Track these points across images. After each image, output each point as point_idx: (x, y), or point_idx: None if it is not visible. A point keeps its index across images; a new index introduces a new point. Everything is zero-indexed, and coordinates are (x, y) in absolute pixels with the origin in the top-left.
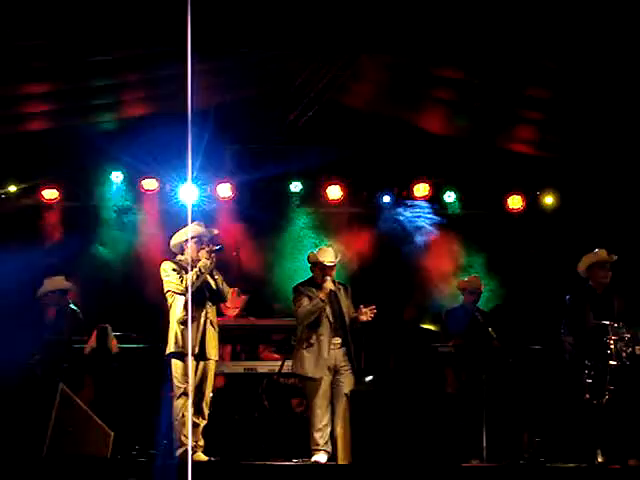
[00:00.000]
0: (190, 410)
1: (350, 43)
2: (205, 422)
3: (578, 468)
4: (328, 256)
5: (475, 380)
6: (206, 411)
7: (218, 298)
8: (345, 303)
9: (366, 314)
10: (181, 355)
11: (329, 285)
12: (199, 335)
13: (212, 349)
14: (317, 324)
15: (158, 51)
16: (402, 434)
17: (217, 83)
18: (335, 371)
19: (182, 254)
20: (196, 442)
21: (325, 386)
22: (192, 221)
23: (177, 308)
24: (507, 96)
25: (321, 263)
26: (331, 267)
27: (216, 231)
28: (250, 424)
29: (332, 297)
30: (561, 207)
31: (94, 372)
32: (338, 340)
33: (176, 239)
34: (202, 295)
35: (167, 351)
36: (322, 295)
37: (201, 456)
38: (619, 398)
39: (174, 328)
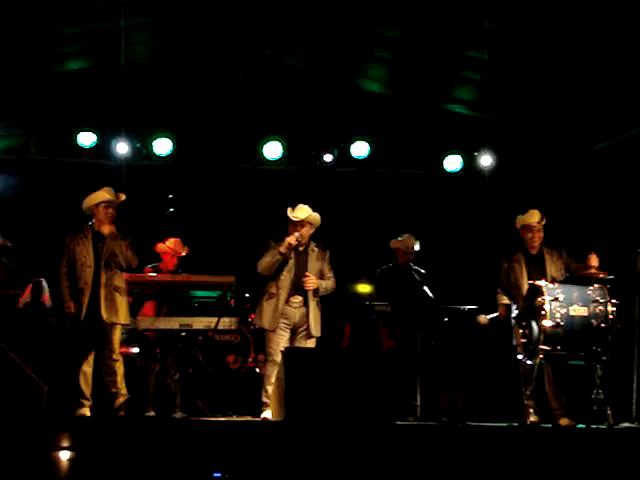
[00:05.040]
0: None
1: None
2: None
3: (510, 427)
4: (297, 212)
5: (410, 339)
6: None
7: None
8: (315, 265)
9: (305, 282)
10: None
11: (290, 239)
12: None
13: (113, 314)
14: (278, 277)
15: (94, 4)
16: (336, 392)
17: (156, 37)
18: (293, 331)
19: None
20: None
21: (282, 341)
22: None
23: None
24: (446, 56)
25: (290, 219)
26: (298, 223)
27: (123, 196)
28: (185, 380)
29: (300, 255)
30: (498, 168)
31: (28, 326)
32: (299, 299)
33: (86, 203)
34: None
35: None
36: (281, 248)
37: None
38: (552, 358)
39: None
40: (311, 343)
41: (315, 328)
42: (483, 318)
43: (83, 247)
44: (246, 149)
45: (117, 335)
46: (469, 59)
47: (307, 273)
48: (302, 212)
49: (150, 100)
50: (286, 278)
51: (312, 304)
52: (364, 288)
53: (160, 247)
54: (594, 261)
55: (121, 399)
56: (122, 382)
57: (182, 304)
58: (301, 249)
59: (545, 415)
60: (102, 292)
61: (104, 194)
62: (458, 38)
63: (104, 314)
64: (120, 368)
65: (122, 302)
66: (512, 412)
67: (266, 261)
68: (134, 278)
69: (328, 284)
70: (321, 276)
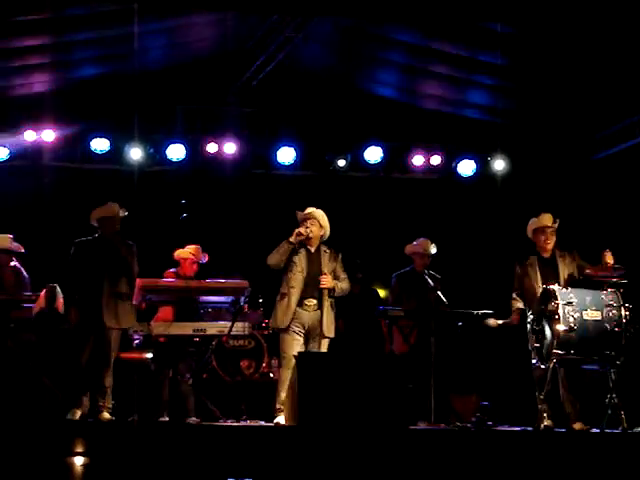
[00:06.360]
0: None
1: (302, 4)
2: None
3: (524, 432)
4: (305, 210)
5: (424, 343)
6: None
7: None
8: (327, 266)
9: (321, 280)
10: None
11: (299, 229)
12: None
13: (113, 319)
14: (290, 277)
15: (107, 10)
16: (350, 396)
17: (169, 43)
18: (307, 335)
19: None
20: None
21: (296, 346)
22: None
23: None
24: (459, 61)
25: (298, 216)
26: (308, 221)
27: (125, 212)
28: (199, 386)
29: (312, 255)
30: (512, 172)
31: (42, 333)
32: (313, 301)
33: (92, 217)
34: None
35: None
36: (291, 238)
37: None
38: (566, 362)
39: None
40: (325, 344)
41: (328, 329)
42: (493, 321)
43: (90, 255)
44: (259, 154)
45: (116, 341)
46: (482, 64)
47: (324, 272)
48: (308, 209)
49: (163, 106)
50: (298, 277)
51: (326, 304)
52: (378, 293)
53: (180, 253)
54: (609, 258)
55: (105, 414)
56: (109, 395)
57: (195, 309)
58: (312, 249)
59: (559, 419)
60: (105, 299)
61: (105, 210)
62: (471, 43)
63: (105, 320)
64: (109, 379)
65: (125, 307)
66: (526, 416)
67: (275, 252)
68: (147, 284)
69: (343, 284)
70: (335, 277)
